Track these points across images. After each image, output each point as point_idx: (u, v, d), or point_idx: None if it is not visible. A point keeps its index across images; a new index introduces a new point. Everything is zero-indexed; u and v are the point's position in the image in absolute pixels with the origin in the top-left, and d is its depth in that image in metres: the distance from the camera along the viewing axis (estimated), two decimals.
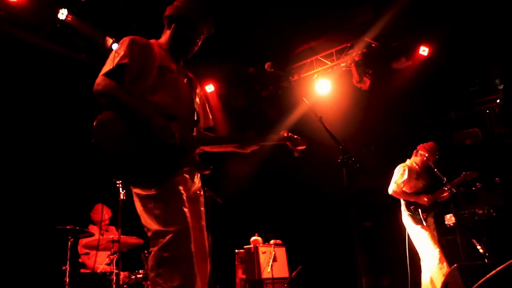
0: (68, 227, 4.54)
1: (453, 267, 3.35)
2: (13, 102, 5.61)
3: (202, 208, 2.51)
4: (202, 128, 2.73)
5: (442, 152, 5.28)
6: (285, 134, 2.74)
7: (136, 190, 2.22)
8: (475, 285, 1.25)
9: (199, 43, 2.56)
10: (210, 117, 2.80)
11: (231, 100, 8.06)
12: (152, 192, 2.16)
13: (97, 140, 2.09)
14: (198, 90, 2.67)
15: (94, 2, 5.76)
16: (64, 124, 5.94)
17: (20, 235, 5.40)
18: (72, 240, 4.59)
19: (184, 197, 2.24)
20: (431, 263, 4.78)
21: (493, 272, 1.21)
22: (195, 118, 2.49)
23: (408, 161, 5.36)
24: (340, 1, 6.15)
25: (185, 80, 2.54)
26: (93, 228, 5.60)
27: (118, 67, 2.21)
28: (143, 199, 2.20)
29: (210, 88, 7.90)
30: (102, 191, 5.14)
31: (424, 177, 5.25)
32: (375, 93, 7.68)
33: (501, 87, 6.54)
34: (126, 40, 2.32)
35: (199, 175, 2.52)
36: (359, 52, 6.99)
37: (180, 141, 2.23)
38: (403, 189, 5.12)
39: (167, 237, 2.06)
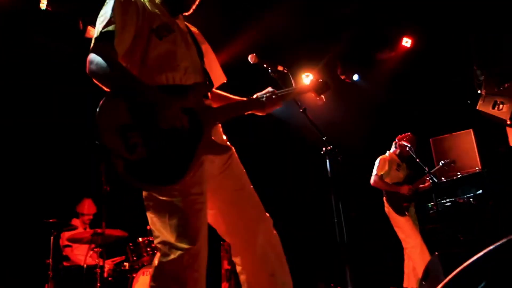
0: (51, 220, 4.50)
1: (434, 255, 3.42)
2: None
3: (239, 170, 2.18)
4: (216, 86, 2.36)
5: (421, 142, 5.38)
6: (309, 82, 2.48)
7: (154, 193, 1.89)
8: (454, 272, 1.28)
9: None
10: (222, 72, 2.42)
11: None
12: (172, 197, 1.86)
13: (99, 134, 1.72)
14: (204, 46, 2.26)
15: None
16: (48, 115, 5.84)
17: (3, 229, 5.33)
18: (55, 233, 4.56)
19: (205, 200, 1.94)
20: (413, 251, 4.88)
21: (472, 259, 1.25)
22: (208, 82, 2.13)
23: (388, 153, 5.44)
24: None
25: (188, 37, 2.13)
26: (76, 222, 5.56)
27: (103, 36, 1.84)
28: (155, 204, 1.90)
29: None
30: (89, 185, 5.09)
31: (404, 168, 5.34)
32: (359, 85, 7.74)
33: (482, 78, 6.63)
34: (110, 0, 1.92)
35: (230, 151, 2.16)
36: (343, 44, 7.01)
37: (192, 121, 1.87)
38: (384, 180, 5.21)
39: (178, 254, 1.82)
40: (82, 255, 5.14)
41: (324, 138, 2.63)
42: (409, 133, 5.39)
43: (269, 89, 2.30)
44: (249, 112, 2.30)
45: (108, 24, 1.85)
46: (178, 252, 1.81)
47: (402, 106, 7.32)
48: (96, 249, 4.67)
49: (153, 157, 1.77)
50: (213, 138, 2.02)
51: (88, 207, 5.56)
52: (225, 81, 2.44)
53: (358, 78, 7.75)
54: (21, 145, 5.74)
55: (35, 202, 5.56)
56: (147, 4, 2.02)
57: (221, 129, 2.21)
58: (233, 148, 2.20)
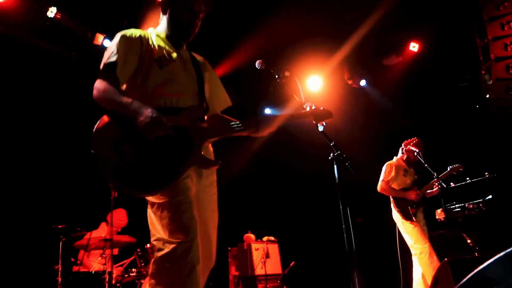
0: (60, 226, 4.52)
1: (443, 261, 3.39)
2: (6, 101, 5.58)
3: (214, 208, 2.36)
4: (219, 110, 2.58)
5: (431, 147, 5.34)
6: (308, 108, 2.59)
7: (148, 198, 2.13)
8: (465, 279, 1.27)
9: (199, 23, 2.38)
10: (227, 97, 2.62)
11: None
12: (162, 200, 2.06)
13: (96, 149, 1.98)
14: (207, 73, 2.49)
15: None
16: (58, 121, 5.90)
17: (12, 234, 5.37)
18: (64, 239, 4.57)
19: (194, 204, 2.10)
20: (422, 258, 4.83)
21: (482, 265, 1.24)
22: (204, 106, 2.32)
23: (395, 159, 5.41)
24: None
25: (189, 66, 2.38)
26: (104, 228, 5.51)
27: (107, 67, 2.12)
28: (152, 206, 2.12)
29: None
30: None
31: (411, 173, 5.31)
32: (366, 89, 7.73)
33: (490, 82, 6.60)
34: (117, 36, 2.21)
35: (214, 174, 2.38)
36: (350, 49, 7.02)
37: (182, 138, 2.08)
38: (391, 186, 5.17)
39: (171, 247, 1.98)
40: (94, 261, 5.16)
41: (331, 144, 2.63)
42: (415, 138, 5.35)
43: (266, 114, 2.38)
44: (244, 134, 2.44)
45: (112, 56, 2.14)
46: (171, 246, 1.98)
47: (409, 111, 7.30)
48: (104, 255, 4.68)
49: (139, 167, 1.99)
50: (203, 153, 2.21)
51: (118, 218, 5.35)
52: (230, 105, 2.62)
53: (366, 84, 7.75)
54: (31, 150, 5.80)
55: (44, 208, 5.61)
56: (152, 37, 2.32)
57: (211, 149, 2.41)
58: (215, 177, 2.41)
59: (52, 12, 5.54)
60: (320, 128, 2.60)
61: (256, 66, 2.83)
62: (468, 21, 5.91)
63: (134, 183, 1.99)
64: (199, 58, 2.51)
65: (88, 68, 6.00)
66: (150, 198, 2.10)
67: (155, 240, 2.08)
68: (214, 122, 2.47)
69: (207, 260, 2.28)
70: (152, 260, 2.05)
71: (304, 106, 2.61)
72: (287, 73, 2.79)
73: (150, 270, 2.05)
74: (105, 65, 2.13)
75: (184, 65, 2.34)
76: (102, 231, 5.43)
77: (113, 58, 2.12)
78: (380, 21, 6.28)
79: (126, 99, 2.05)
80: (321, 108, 2.59)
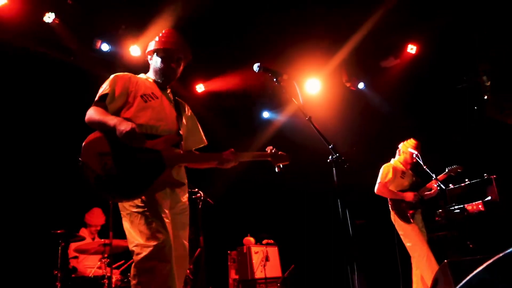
0: (59, 231, 4.51)
1: (443, 263, 3.38)
2: (5, 106, 5.57)
3: (186, 221, 2.71)
4: (194, 148, 2.94)
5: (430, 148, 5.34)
6: (268, 151, 2.92)
7: (125, 205, 2.44)
8: (464, 280, 1.26)
9: (179, 68, 2.81)
10: (203, 137, 2.98)
11: (222, 101, 8.05)
12: (139, 209, 2.38)
13: (84, 158, 2.31)
14: (186, 113, 2.90)
15: (82, 3, 5.73)
16: (56, 126, 5.89)
17: (10, 240, 5.35)
18: (63, 244, 4.55)
19: (167, 212, 2.45)
20: (420, 260, 4.81)
21: (482, 266, 1.23)
22: (178, 136, 2.67)
23: (392, 161, 5.40)
24: (330, 1, 6.18)
25: (171, 104, 2.79)
26: (84, 232, 5.58)
27: (99, 98, 2.54)
28: (130, 215, 2.43)
29: (200, 88, 7.87)
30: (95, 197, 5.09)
31: (409, 175, 5.29)
32: (364, 92, 7.74)
33: (488, 83, 6.62)
34: (110, 77, 2.65)
35: (185, 192, 2.71)
36: (348, 51, 7.03)
37: (156, 159, 2.43)
38: (389, 188, 5.16)
39: (149, 250, 2.27)
40: (89, 266, 5.14)
41: (330, 146, 2.63)
42: (411, 139, 5.34)
43: (232, 150, 2.76)
44: (211, 165, 2.81)
45: (104, 90, 2.56)
46: (148, 249, 2.28)
47: (407, 113, 7.31)
48: (103, 260, 4.67)
49: (118, 176, 2.32)
50: (175, 177, 2.56)
51: (96, 217, 5.65)
52: (205, 144, 2.97)
53: (364, 86, 7.76)
54: (30, 155, 5.79)
55: (42, 213, 5.59)
56: (142, 80, 2.74)
57: (183, 171, 2.75)
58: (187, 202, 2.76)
59: (49, 17, 5.55)
60: (277, 170, 2.92)
61: (254, 69, 2.83)
62: (465, 22, 5.94)
63: (112, 190, 2.33)
64: (180, 100, 2.92)
65: (87, 72, 6.02)
66: (129, 208, 2.41)
67: (133, 246, 2.34)
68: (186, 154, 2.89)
69: (182, 265, 2.56)
70: (133, 264, 2.32)
71: (266, 149, 2.95)
72: (285, 76, 2.79)
73: (131, 273, 2.33)
74: (98, 97, 2.56)
75: (166, 102, 2.75)
76: (84, 235, 5.44)
77: (105, 92, 2.55)
78: (378, 23, 6.30)
79: (111, 116, 2.44)
80: (279, 153, 2.92)
